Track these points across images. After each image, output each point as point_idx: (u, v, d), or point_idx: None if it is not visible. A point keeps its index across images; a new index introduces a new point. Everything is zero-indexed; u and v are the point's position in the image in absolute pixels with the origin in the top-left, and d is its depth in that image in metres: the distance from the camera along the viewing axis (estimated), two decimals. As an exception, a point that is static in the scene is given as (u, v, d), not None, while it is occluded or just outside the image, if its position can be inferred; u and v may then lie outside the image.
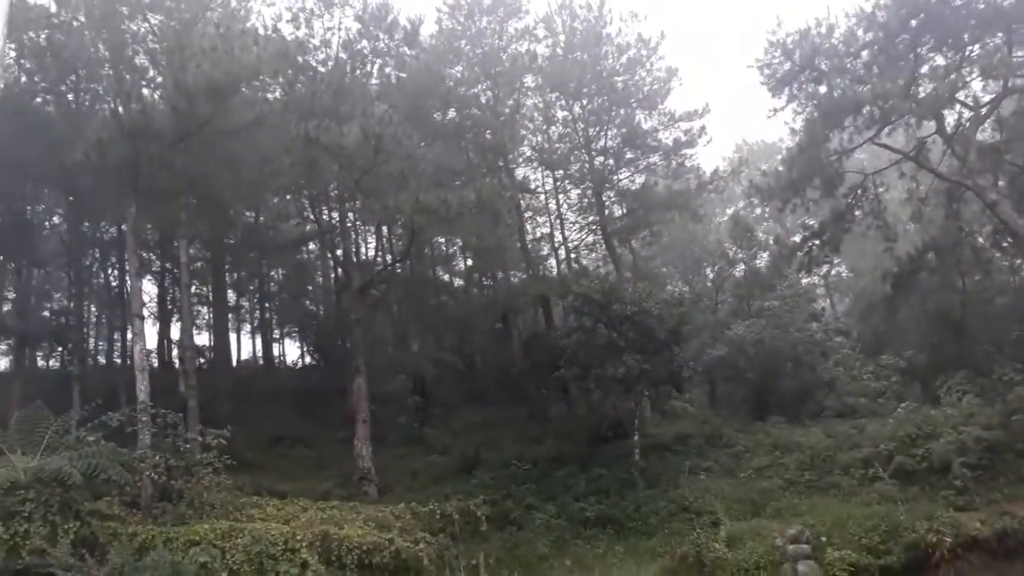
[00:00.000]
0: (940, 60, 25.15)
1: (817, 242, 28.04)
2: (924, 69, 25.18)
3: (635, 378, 23.77)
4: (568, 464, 24.84)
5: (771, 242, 36.45)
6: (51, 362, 39.36)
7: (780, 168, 27.37)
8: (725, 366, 30.81)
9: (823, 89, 26.68)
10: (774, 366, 29.12)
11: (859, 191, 27.52)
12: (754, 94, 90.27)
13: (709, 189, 37.23)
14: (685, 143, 37.20)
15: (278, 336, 49.16)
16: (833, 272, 48.74)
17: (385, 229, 37.15)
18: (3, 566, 13.18)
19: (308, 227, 38.44)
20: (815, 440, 23.38)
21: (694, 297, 39.41)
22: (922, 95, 24.09)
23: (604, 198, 38.48)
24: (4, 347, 37.78)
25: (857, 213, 27.79)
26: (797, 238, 31.04)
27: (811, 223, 29.96)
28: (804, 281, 37.72)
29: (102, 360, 43.16)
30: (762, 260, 37.79)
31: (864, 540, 16.48)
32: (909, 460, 20.08)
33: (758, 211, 49.24)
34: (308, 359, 45.11)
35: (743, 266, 38.52)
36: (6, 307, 36.20)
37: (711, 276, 42.46)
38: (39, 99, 30.38)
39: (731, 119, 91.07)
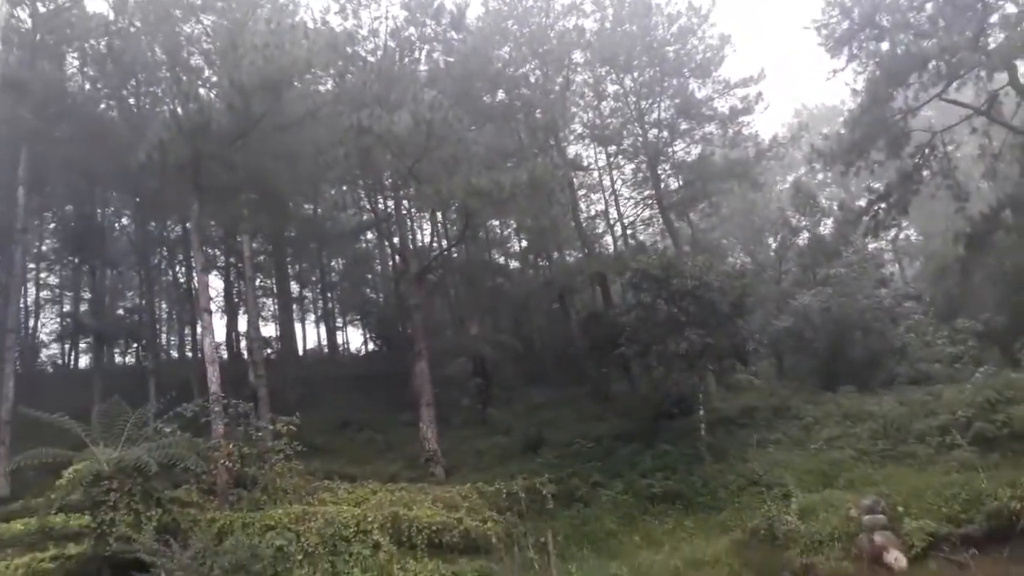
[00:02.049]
0: (1011, 7, 23.79)
1: (884, 205, 27.04)
2: (994, 18, 23.82)
3: (698, 353, 23.39)
4: (633, 441, 24.69)
5: (835, 208, 35.44)
6: (127, 358, 41.04)
7: (842, 131, 26.44)
8: (791, 337, 30.19)
9: (885, 46, 25.67)
10: (842, 335, 28.37)
11: (927, 150, 26.38)
12: (811, 56, 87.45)
13: (768, 156, 36.31)
14: (742, 110, 36.35)
15: (341, 324, 50.25)
16: (901, 236, 47.22)
17: (439, 215, 37.45)
18: (93, 553, 13.85)
19: (365, 216, 39.01)
20: (888, 409, 22.67)
21: (757, 268, 38.56)
22: (992, 46, 22.89)
23: (659, 171, 37.88)
24: (84, 345, 39.58)
25: (925, 173, 26.64)
26: (862, 202, 30.03)
27: (876, 186, 28.87)
28: (871, 246, 36.49)
29: (174, 354, 44.93)
30: (826, 227, 36.78)
31: (944, 509, 15.86)
32: (989, 426, 19.26)
33: (820, 176, 47.90)
34: (371, 345, 45.96)
35: (807, 234, 37.51)
36: (83, 307, 37.92)
37: (774, 246, 41.50)
38: (103, 105, 31.46)
39: (789, 84, 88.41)
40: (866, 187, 32.38)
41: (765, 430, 24.04)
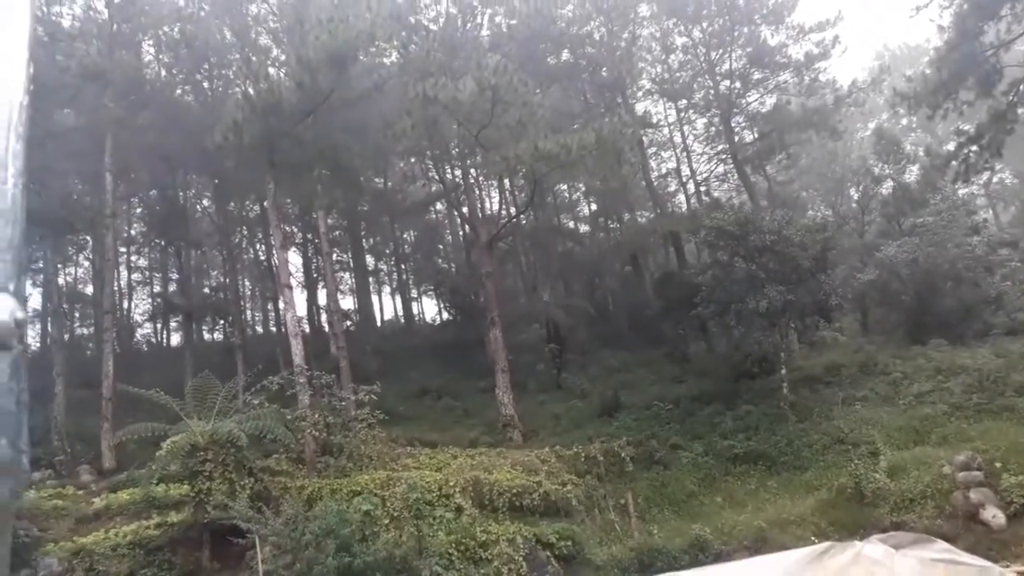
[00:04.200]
0: (1116, -76, 21.90)
1: (975, 148, 25.47)
2: (1097, -63, 22.03)
3: (779, 310, 22.76)
4: (712, 402, 24.37)
5: (921, 153, 33.64)
6: (215, 334, 42.69)
7: (927, 71, 24.99)
8: (877, 290, 29.07)
9: (974, -24, 23.97)
10: (932, 286, 27.13)
11: (1022, 86, 24.70)
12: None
13: (848, 103, 34.67)
14: (818, 56, 34.76)
15: (416, 295, 51.01)
16: (995, 180, 44.60)
17: (507, 181, 37.25)
18: (193, 520, 14.60)
19: (434, 187, 39.27)
20: (983, 361, 21.60)
21: (838, 220, 37.11)
22: (1095, -32, 21.16)
23: (733, 124, 36.78)
24: (174, 323, 41.39)
25: (1021, 111, 24.98)
26: (951, 146, 28.37)
27: (966, 128, 27.20)
28: (961, 192, 34.61)
29: (259, 329, 46.62)
30: (912, 174, 35.06)
31: (1046, 465, 15.17)
32: (1095, 378, 18.22)
33: (904, 121, 45.65)
34: (445, 314, 46.51)
35: (891, 182, 35.79)
36: (172, 287, 39.59)
37: (856, 196, 39.75)
38: (179, 90, 32.45)
39: (868, 25, 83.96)
40: (955, 130, 30.56)
41: (851, 387, 23.33)
